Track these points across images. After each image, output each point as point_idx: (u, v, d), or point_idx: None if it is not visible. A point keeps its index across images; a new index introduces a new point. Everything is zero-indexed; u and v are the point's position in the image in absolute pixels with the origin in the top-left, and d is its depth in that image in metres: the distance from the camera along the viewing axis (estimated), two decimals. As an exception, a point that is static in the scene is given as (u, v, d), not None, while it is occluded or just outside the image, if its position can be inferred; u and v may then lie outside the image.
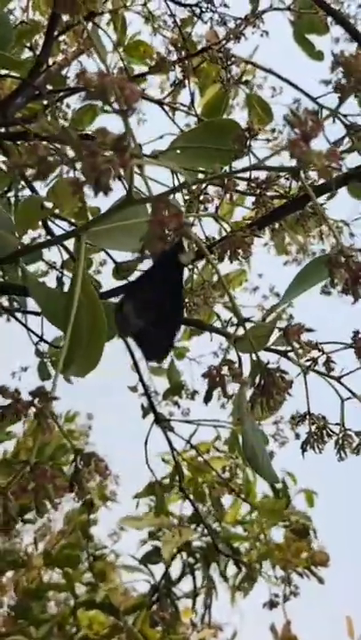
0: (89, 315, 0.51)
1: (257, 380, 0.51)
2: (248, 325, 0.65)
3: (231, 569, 2.81)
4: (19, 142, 1.43)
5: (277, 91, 2.02)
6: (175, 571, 2.98)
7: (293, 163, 0.43)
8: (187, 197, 0.90)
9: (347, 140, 0.54)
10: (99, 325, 0.52)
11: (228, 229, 0.67)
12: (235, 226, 0.71)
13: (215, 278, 2.02)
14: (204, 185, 0.84)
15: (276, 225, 0.85)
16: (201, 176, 0.83)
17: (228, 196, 0.77)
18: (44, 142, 0.41)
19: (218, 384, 0.48)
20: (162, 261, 0.47)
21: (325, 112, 0.52)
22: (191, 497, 2.31)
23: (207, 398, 0.49)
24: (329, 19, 1.73)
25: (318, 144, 0.45)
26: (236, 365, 0.49)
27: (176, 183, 0.94)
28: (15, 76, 1.69)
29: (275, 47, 1.82)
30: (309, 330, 0.50)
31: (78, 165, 0.35)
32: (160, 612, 2.83)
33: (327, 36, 1.86)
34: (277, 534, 2.76)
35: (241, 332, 0.64)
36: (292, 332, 0.49)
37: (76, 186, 0.34)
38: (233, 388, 0.49)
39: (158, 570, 2.98)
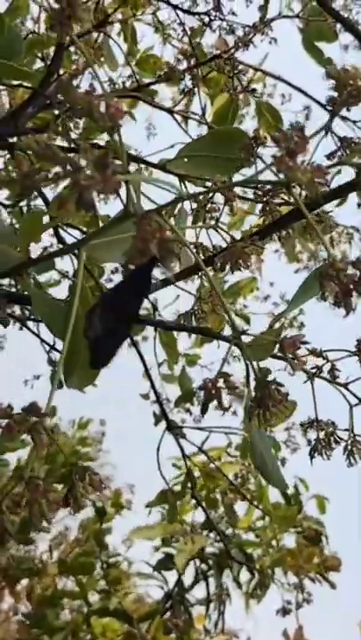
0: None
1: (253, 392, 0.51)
2: (255, 332, 0.65)
3: (245, 575, 2.80)
4: (29, 152, 1.44)
5: (287, 98, 2.03)
6: (188, 577, 2.99)
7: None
8: (193, 207, 0.90)
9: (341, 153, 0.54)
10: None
11: (229, 240, 0.67)
12: (244, 234, 0.71)
13: (225, 286, 2.03)
14: (210, 195, 0.84)
15: (284, 233, 0.84)
16: (208, 185, 0.83)
17: (228, 207, 0.77)
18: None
19: (213, 397, 0.49)
20: (134, 275, 0.48)
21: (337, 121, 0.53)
22: (203, 504, 2.31)
23: (203, 410, 0.49)
24: (338, 26, 1.74)
25: (313, 157, 0.46)
26: (232, 378, 0.49)
27: (184, 191, 0.95)
28: (27, 86, 1.70)
29: (284, 55, 1.83)
30: (305, 342, 0.50)
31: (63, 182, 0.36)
32: (174, 619, 2.83)
33: (336, 43, 1.86)
34: (290, 540, 2.76)
35: (247, 339, 0.64)
36: (288, 346, 0.49)
37: (60, 202, 0.34)
38: (229, 399, 0.49)
39: (172, 576, 2.98)
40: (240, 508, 2.79)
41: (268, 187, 0.87)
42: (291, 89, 1.78)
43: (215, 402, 0.49)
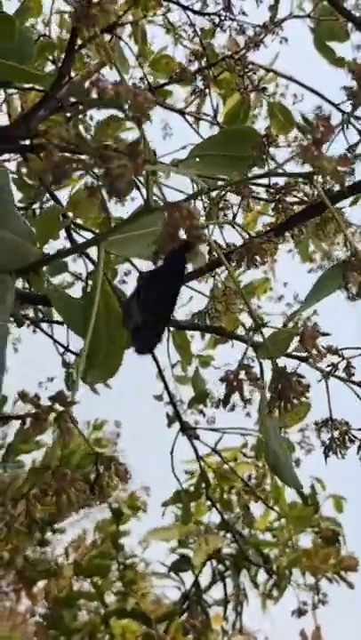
0: (108, 323, 0.52)
1: (275, 384, 0.51)
2: (268, 331, 0.65)
3: (262, 576, 2.80)
4: (41, 154, 1.44)
5: (299, 98, 2.03)
6: (205, 578, 2.99)
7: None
8: (206, 205, 0.90)
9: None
10: (118, 334, 0.53)
11: (246, 236, 0.68)
12: (256, 234, 0.71)
13: (240, 285, 2.03)
14: (223, 192, 0.85)
15: (297, 230, 0.85)
16: (221, 183, 0.84)
17: (245, 203, 0.77)
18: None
19: (235, 388, 0.49)
20: (169, 263, 0.49)
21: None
22: (218, 505, 2.31)
23: (225, 402, 0.49)
24: (350, 25, 1.74)
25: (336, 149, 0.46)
26: (254, 370, 0.50)
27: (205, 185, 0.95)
28: (38, 89, 1.71)
29: (296, 54, 1.83)
30: (325, 334, 0.50)
31: (94, 171, 0.36)
32: (191, 620, 2.83)
33: (348, 43, 1.86)
34: (307, 541, 2.76)
35: (260, 338, 0.64)
36: (308, 337, 0.49)
37: (91, 191, 0.35)
38: (251, 392, 0.49)
39: (188, 577, 2.98)
40: (257, 508, 2.80)
41: (281, 185, 0.87)
42: (303, 89, 1.78)
43: (237, 394, 0.49)
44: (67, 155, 0.37)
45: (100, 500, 0.44)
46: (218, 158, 0.81)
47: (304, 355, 0.80)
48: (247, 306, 0.55)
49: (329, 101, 1.89)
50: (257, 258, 0.60)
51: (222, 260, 0.58)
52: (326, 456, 0.79)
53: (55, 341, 1.78)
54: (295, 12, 1.76)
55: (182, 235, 0.37)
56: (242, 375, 0.49)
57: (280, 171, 0.53)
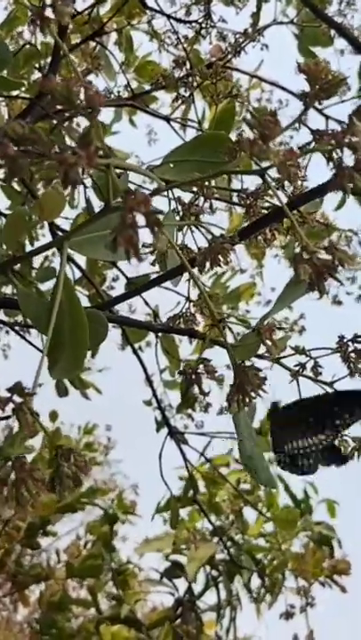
0: (71, 319, 0.53)
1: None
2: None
3: (255, 581, 2.80)
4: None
5: (284, 104, 2.05)
6: (199, 584, 2.98)
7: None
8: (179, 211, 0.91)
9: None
10: (80, 330, 0.54)
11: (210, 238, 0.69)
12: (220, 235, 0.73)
13: (228, 291, 2.04)
14: (195, 197, 0.86)
15: (269, 234, 0.86)
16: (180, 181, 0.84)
17: (208, 205, 0.79)
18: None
19: (193, 382, 0.50)
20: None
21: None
22: (208, 510, 2.31)
23: (184, 396, 0.51)
24: (333, 31, 1.76)
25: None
26: (211, 363, 0.51)
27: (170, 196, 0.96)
28: (24, 97, 1.73)
29: (282, 60, 1.85)
30: (281, 328, 0.51)
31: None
32: (184, 626, 2.83)
33: (332, 48, 1.88)
34: (301, 546, 2.75)
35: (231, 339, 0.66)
36: (265, 331, 0.50)
37: (46, 182, 0.36)
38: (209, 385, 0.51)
39: (182, 583, 2.98)
40: (251, 514, 2.80)
41: (252, 190, 0.88)
42: (288, 95, 1.80)
43: (196, 387, 0.51)
44: (21, 148, 0.38)
45: (60, 492, 0.45)
46: (192, 164, 0.82)
47: (276, 356, 0.81)
48: (207, 306, 0.56)
49: (314, 107, 1.91)
50: (220, 258, 0.61)
51: (186, 265, 0.59)
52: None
53: (38, 349, 1.79)
54: (279, 19, 1.78)
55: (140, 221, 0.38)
56: (200, 369, 0.50)
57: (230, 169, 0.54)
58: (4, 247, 0.59)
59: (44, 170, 0.38)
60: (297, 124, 0.54)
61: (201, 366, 0.51)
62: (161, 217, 0.81)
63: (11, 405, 0.44)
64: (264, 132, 0.42)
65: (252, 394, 0.50)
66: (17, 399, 0.43)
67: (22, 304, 0.59)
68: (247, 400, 0.50)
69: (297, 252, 0.46)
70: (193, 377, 0.50)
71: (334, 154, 0.46)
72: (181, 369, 0.50)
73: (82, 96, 0.39)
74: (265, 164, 0.49)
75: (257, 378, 0.50)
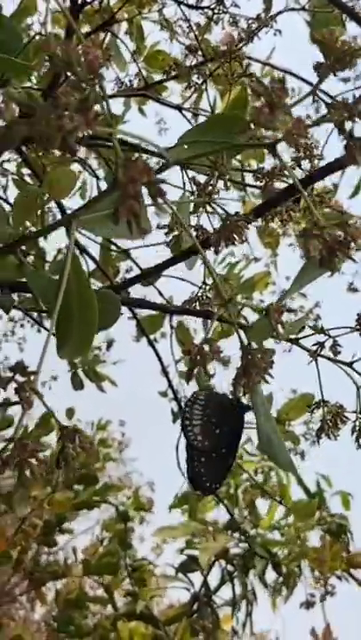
0: (79, 299, 0.52)
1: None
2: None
3: (271, 575, 2.79)
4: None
5: (297, 91, 2.03)
6: (215, 579, 2.98)
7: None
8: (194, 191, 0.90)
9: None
10: (89, 309, 0.53)
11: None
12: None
13: (242, 280, 2.03)
14: (210, 178, 0.84)
15: (285, 215, 0.84)
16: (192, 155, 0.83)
17: (223, 182, 0.77)
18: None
19: (198, 363, 0.49)
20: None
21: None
22: (225, 501, 2.30)
23: (188, 377, 0.49)
24: (345, 16, 1.73)
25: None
26: (217, 344, 0.50)
27: (186, 180, 0.95)
28: (36, 88, 1.72)
29: (294, 48, 1.82)
30: (291, 310, 0.50)
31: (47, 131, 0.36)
32: (200, 621, 2.82)
33: (345, 35, 1.86)
34: (316, 539, 2.74)
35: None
36: (274, 311, 0.49)
37: (43, 146, 0.34)
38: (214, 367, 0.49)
39: (197, 579, 2.97)
40: (262, 506, 2.79)
41: (268, 170, 0.87)
42: (300, 82, 1.77)
43: (200, 368, 0.49)
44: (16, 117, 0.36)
45: (66, 473, 0.44)
46: (206, 145, 0.81)
47: (294, 337, 0.80)
48: (214, 281, 0.54)
49: (327, 94, 1.88)
50: (234, 236, 0.60)
51: (198, 248, 0.58)
52: (319, 437, 0.79)
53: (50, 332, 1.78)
54: (291, 5, 1.76)
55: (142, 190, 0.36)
56: (206, 349, 0.49)
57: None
58: (13, 227, 0.57)
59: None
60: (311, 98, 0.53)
61: (207, 346, 0.49)
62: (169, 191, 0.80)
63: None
64: (272, 100, 0.40)
65: (258, 377, 0.48)
66: (19, 378, 0.42)
67: (30, 280, 0.57)
68: (251, 383, 0.49)
69: (307, 227, 0.44)
70: (198, 357, 0.49)
71: (346, 125, 0.44)
72: (186, 349, 0.49)
73: (81, 60, 0.38)
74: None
75: (263, 361, 0.48)
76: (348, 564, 2.51)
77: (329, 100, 0.66)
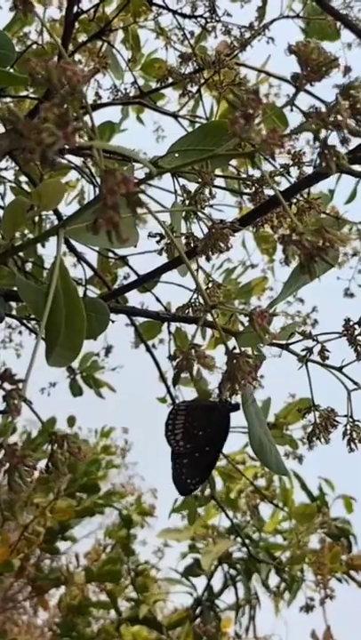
0: (67, 307, 0.53)
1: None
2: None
3: (274, 579, 2.79)
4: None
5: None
6: (218, 583, 2.98)
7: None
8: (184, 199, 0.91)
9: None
10: (77, 317, 0.53)
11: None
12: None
13: (239, 286, 2.04)
14: (199, 187, 0.85)
15: (275, 221, 0.85)
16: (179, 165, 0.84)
17: (207, 190, 0.78)
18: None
19: (184, 367, 0.50)
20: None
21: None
22: (225, 506, 2.30)
23: (175, 381, 0.50)
24: (339, 24, 1.74)
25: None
26: (202, 348, 0.50)
27: (177, 188, 0.96)
28: (32, 97, 1.73)
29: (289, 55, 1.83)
30: (274, 314, 0.50)
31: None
32: (203, 625, 2.82)
33: (339, 42, 1.87)
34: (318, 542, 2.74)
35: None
36: (257, 316, 0.49)
37: (25, 162, 0.35)
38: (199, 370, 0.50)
39: (200, 583, 2.98)
40: (266, 511, 2.79)
41: (257, 177, 0.88)
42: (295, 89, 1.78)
43: (186, 372, 0.50)
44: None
45: (56, 478, 0.44)
46: (196, 152, 0.82)
47: (285, 342, 0.81)
48: (200, 291, 0.55)
49: (322, 101, 1.90)
50: (219, 244, 0.60)
51: (183, 258, 0.59)
52: (310, 442, 0.80)
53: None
54: (285, 13, 1.77)
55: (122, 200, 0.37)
56: (191, 354, 0.50)
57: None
58: (2, 238, 0.58)
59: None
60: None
61: (192, 351, 0.50)
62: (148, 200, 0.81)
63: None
64: (246, 111, 0.41)
65: (243, 382, 0.49)
66: (7, 386, 0.43)
67: (20, 290, 0.58)
68: (237, 388, 0.49)
69: (286, 233, 0.45)
70: (183, 362, 0.50)
71: (321, 133, 0.45)
72: (172, 353, 0.50)
73: (61, 76, 0.39)
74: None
75: (248, 365, 0.49)
76: (349, 566, 2.52)
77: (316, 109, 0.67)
